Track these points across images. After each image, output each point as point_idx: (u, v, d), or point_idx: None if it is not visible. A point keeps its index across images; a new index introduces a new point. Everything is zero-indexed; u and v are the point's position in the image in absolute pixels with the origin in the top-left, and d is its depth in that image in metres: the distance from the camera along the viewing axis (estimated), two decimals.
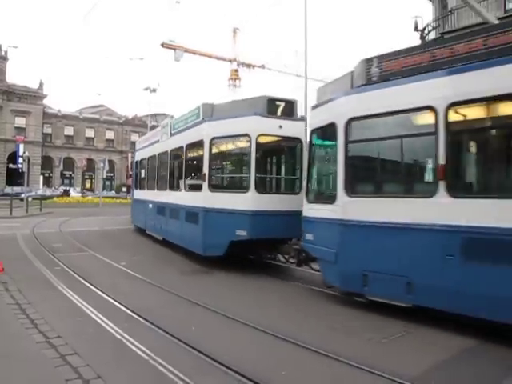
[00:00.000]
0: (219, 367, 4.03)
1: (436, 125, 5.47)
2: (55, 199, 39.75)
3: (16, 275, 7.74)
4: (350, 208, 6.34)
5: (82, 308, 5.92)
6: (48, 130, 56.91)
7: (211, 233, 8.89)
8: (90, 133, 60.63)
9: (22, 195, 28.73)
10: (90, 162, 58.96)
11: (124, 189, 55.30)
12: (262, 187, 9.15)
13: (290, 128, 8.89)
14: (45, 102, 56.49)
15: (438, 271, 5.34)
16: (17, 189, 38.37)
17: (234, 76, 58.45)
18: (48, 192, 45.07)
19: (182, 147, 10.86)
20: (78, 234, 15.12)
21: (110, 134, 62.47)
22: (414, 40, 20.45)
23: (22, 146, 36.64)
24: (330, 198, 6.73)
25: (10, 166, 44.60)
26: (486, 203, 5.09)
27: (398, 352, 4.64)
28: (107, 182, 59.50)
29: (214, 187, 9.33)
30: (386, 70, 6.32)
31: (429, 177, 5.86)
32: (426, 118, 5.73)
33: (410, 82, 5.86)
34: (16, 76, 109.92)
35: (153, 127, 35.60)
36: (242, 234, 8.34)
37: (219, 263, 9.09)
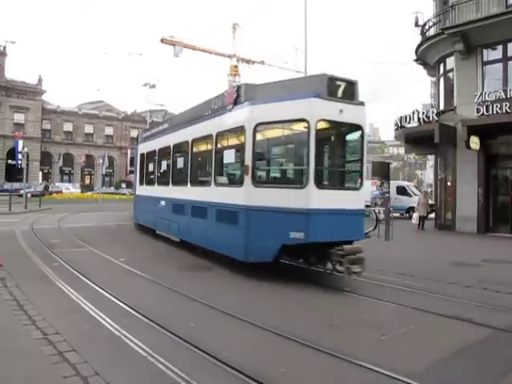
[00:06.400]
0: (218, 364, 4.00)
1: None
2: (54, 195, 39.68)
3: (14, 271, 7.71)
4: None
5: (81, 304, 5.88)
6: (47, 126, 56.85)
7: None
8: (89, 129, 60.58)
9: (21, 191, 28.68)
10: (90, 158, 58.93)
11: (123, 185, 55.25)
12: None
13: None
14: (44, 97, 56.44)
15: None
16: (16, 185, 38.32)
17: (234, 72, 58.22)
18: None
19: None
20: (77, 229, 15.10)
21: (109, 130, 62.44)
22: (415, 36, 20.39)
23: (20, 142, 36.62)
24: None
25: (9, 162, 44.54)
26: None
27: (398, 349, 4.61)
28: (106, 178, 59.48)
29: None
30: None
31: None
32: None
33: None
34: (15, 72, 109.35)
35: (152, 123, 35.57)
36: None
37: (219, 259, 9.06)
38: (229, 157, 8.78)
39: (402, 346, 4.72)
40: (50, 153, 56.79)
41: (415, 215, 18.57)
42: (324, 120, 7.60)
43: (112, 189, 53.66)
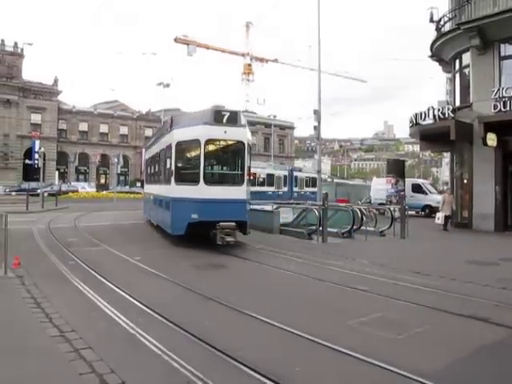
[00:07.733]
0: (232, 363, 4.00)
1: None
2: (70, 194, 40.18)
3: (32, 269, 7.84)
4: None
5: (96, 302, 5.95)
6: (63, 126, 57.63)
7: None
8: (104, 128, 61.21)
9: (38, 191, 29.11)
10: (105, 157, 59.53)
11: (138, 184, 55.75)
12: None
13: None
14: (60, 98, 57.27)
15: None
16: (33, 184, 38.88)
17: (248, 70, 58.32)
18: (64, 187, 45.56)
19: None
20: (93, 228, 15.29)
21: (124, 130, 62.99)
22: (431, 32, 20.09)
23: (37, 142, 37.24)
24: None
25: (27, 161, 45.21)
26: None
27: (414, 348, 4.55)
28: (121, 178, 59.99)
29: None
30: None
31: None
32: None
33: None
34: (31, 73, 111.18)
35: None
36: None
37: (232, 256, 9.08)
38: (168, 163, 12.09)
39: (418, 345, 4.66)
40: (65, 152, 57.55)
41: (440, 215, 17.93)
42: (211, 139, 11.14)
43: (127, 188, 54.10)
